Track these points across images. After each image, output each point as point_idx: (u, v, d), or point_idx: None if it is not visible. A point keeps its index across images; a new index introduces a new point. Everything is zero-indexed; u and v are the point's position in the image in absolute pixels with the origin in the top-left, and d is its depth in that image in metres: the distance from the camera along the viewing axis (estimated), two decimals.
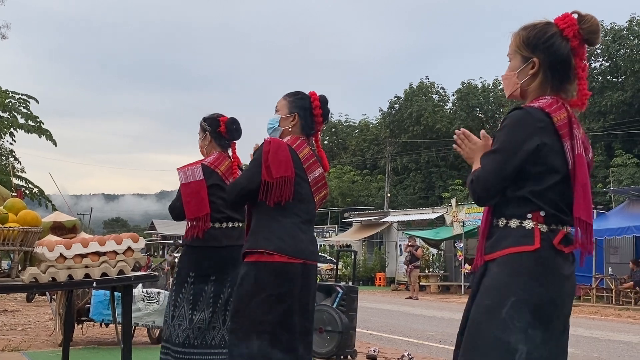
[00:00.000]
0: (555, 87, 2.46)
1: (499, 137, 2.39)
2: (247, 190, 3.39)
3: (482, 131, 2.57)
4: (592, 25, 2.43)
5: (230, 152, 4.67)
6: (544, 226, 2.35)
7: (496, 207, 2.42)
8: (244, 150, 3.96)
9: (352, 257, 10.95)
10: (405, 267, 22.97)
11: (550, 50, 2.43)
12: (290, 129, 3.57)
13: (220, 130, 4.65)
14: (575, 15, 2.44)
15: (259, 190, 3.36)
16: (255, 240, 3.36)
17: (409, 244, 22.99)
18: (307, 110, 3.61)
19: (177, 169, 4.50)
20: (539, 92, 2.46)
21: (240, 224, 4.50)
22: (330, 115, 3.80)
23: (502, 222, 2.39)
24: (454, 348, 2.48)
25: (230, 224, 4.46)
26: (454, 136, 2.59)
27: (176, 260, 4.64)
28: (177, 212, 4.51)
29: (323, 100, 3.64)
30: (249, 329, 3.27)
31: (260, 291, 3.27)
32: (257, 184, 3.36)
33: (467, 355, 2.35)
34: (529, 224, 2.35)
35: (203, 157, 4.63)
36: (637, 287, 18.47)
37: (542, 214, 2.35)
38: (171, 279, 4.52)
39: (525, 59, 2.47)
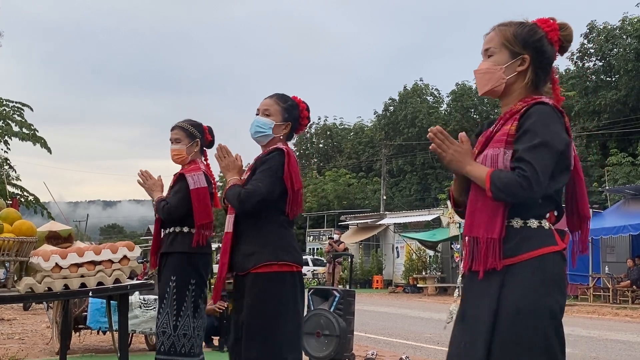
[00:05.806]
0: (536, 87, 2.39)
1: (534, 131, 2.19)
2: (267, 200, 3.29)
3: (462, 133, 2.38)
4: (569, 34, 2.42)
5: (203, 159, 4.67)
6: (552, 226, 2.26)
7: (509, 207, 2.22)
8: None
9: (349, 260, 10.95)
10: (328, 264, 22.33)
11: (540, 50, 2.37)
12: (281, 137, 3.50)
13: (207, 139, 4.67)
14: (557, 21, 2.41)
15: (283, 200, 3.34)
16: (275, 251, 3.33)
17: (331, 241, 22.71)
18: (296, 119, 3.57)
19: (184, 173, 4.43)
20: (526, 91, 2.38)
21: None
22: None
23: (517, 223, 2.22)
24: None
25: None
26: (429, 134, 2.34)
27: None
28: (177, 215, 4.36)
29: (308, 109, 3.63)
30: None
31: (290, 302, 3.33)
32: (276, 195, 3.32)
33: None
34: (546, 224, 2.24)
35: (184, 164, 4.56)
36: (634, 286, 18.51)
37: (555, 213, 2.28)
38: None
39: (514, 54, 2.36)
